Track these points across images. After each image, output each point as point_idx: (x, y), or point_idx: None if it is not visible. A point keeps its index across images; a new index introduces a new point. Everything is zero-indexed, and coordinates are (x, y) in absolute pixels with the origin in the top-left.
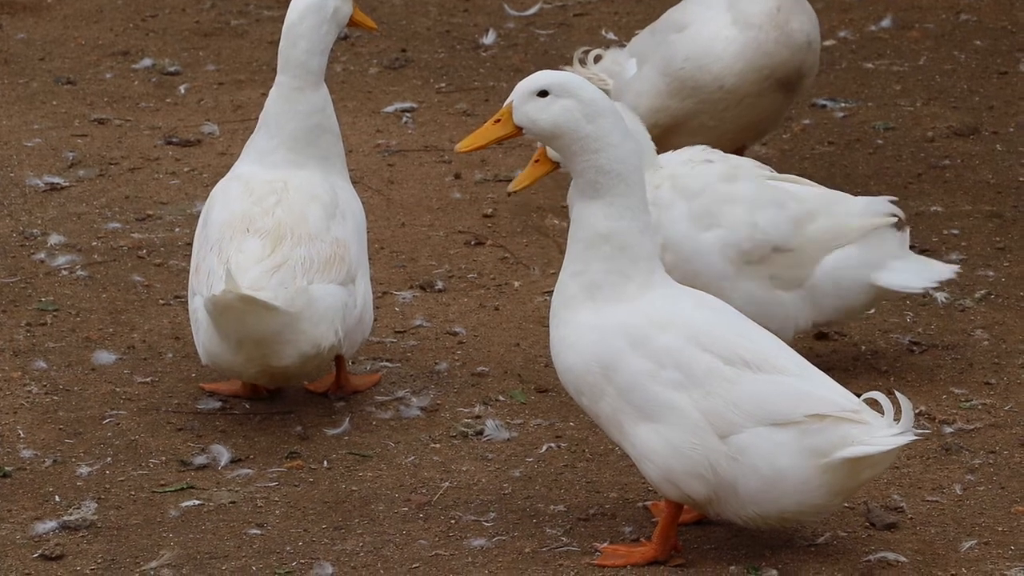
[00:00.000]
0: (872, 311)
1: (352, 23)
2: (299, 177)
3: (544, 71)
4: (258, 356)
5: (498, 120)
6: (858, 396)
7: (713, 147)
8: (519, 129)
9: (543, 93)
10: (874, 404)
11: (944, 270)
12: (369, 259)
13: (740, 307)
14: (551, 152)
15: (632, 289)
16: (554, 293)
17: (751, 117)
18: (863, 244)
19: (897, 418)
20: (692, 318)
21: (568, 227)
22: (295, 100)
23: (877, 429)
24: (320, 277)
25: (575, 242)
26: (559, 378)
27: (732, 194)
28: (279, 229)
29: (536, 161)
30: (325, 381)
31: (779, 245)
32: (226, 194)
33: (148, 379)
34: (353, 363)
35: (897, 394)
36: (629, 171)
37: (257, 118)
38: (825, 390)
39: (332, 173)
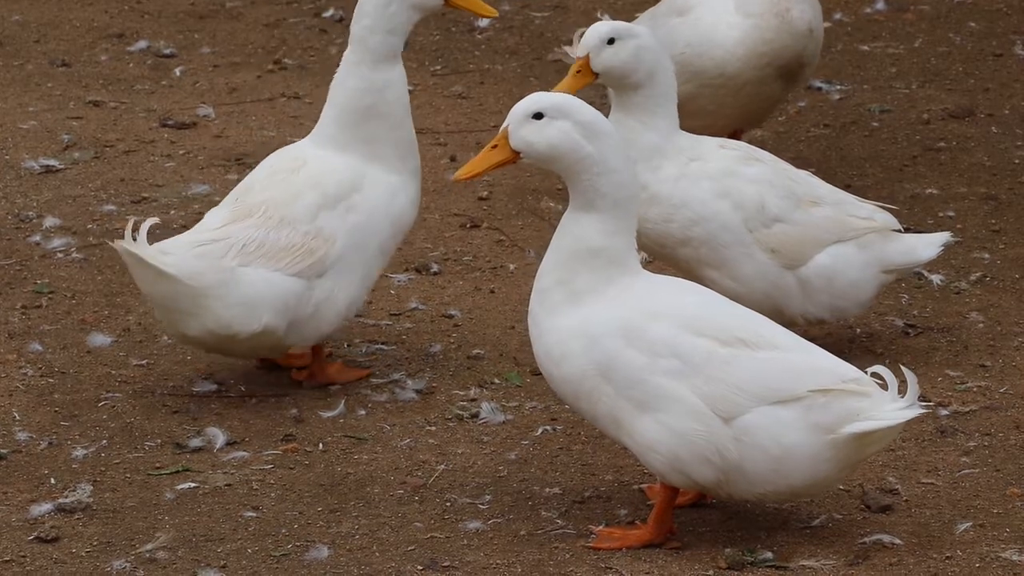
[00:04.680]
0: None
1: (453, 5)
2: (322, 159)
3: (538, 93)
4: (168, 321)
5: (495, 145)
6: None
7: (709, 130)
8: (516, 153)
9: (538, 116)
10: (878, 378)
11: (941, 235)
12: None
13: (753, 285)
14: (514, 140)
15: (614, 290)
16: (533, 298)
17: (750, 104)
18: (862, 244)
19: (902, 392)
20: (680, 304)
21: (564, 210)
22: (350, 74)
23: (883, 403)
24: (262, 262)
25: (561, 249)
26: (553, 388)
27: (750, 173)
28: (254, 208)
29: (494, 147)
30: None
31: (781, 216)
32: (265, 161)
33: (143, 362)
34: (348, 346)
35: (902, 367)
36: (626, 197)
37: (252, 101)
38: (826, 362)
39: (373, 162)
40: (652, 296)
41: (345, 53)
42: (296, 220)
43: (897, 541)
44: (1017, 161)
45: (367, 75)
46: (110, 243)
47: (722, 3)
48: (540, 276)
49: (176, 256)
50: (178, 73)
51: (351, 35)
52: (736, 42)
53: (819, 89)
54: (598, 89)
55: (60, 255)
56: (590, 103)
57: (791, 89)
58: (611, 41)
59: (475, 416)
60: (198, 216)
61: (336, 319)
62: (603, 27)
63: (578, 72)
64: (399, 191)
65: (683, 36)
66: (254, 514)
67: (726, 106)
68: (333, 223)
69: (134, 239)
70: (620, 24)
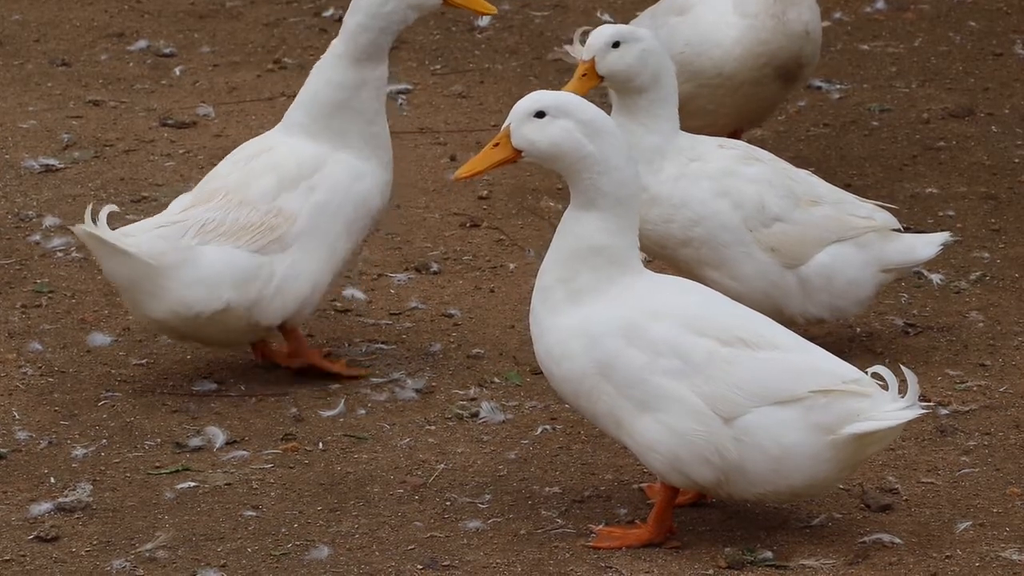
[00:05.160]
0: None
1: (451, 4)
2: (287, 146)
3: (540, 91)
4: (133, 305)
5: (497, 144)
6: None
7: (709, 130)
8: (518, 152)
9: (540, 114)
10: (879, 378)
11: (941, 235)
12: (361, 242)
13: (754, 284)
14: (515, 138)
15: (616, 290)
16: (534, 296)
17: (749, 104)
18: (861, 243)
19: (902, 392)
20: (682, 303)
21: (564, 210)
22: (331, 66)
23: (883, 403)
24: (222, 240)
25: (563, 248)
26: (553, 386)
27: (749, 173)
28: (215, 192)
29: (495, 145)
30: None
31: (781, 216)
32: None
33: (143, 361)
34: (348, 345)
35: (902, 367)
36: (628, 196)
37: (252, 100)
38: (826, 364)
39: (342, 150)
40: (653, 295)
41: (333, 42)
42: (255, 201)
43: (897, 540)
44: (1017, 160)
45: (348, 70)
46: (70, 227)
47: (722, 2)
48: (541, 274)
49: (137, 237)
50: (178, 72)
51: (343, 26)
52: (734, 42)
53: (819, 88)
54: (599, 88)
55: (60, 254)
56: (591, 102)
57: (791, 90)
58: (616, 45)
59: (475, 415)
60: None
61: (300, 296)
62: (608, 30)
63: (583, 75)
64: (365, 175)
65: (682, 35)
66: (254, 513)
67: (725, 106)
68: (294, 202)
69: (94, 223)
70: (625, 27)
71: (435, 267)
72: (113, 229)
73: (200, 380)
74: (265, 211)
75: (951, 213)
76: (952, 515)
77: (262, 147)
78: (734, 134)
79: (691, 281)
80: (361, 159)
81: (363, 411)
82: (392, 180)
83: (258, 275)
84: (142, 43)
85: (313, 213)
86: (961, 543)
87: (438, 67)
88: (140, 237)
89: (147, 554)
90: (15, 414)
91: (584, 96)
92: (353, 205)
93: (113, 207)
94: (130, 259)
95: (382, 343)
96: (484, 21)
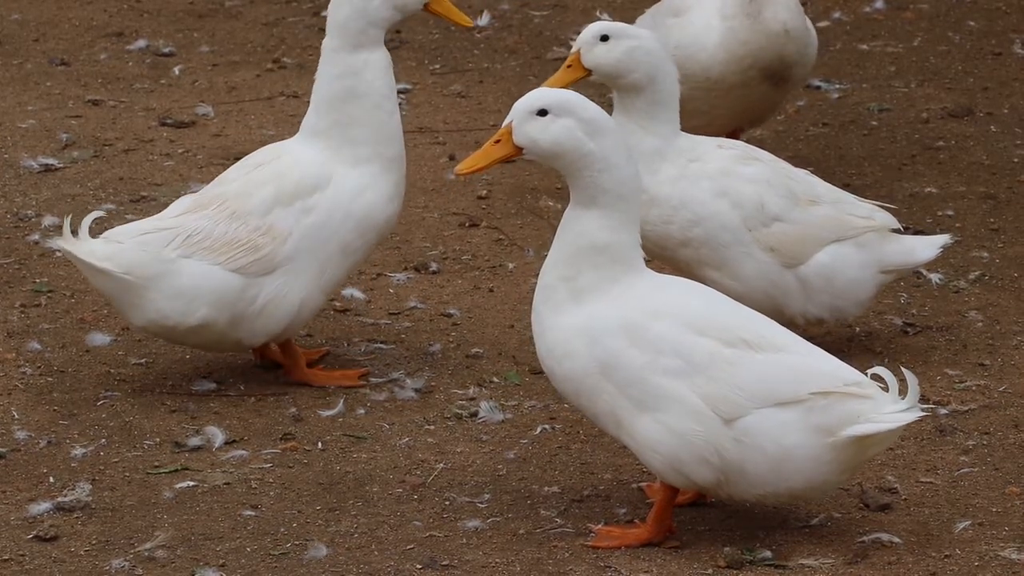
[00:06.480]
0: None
1: (431, 11)
2: (294, 155)
3: (541, 89)
4: (118, 311)
5: (498, 140)
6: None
7: (708, 130)
8: (519, 149)
9: (542, 112)
10: (879, 379)
11: (941, 237)
12: (364, 254)
13: (754, 284)
14: (517, 136)
15: (618, 289)
16: (537, 294)
17: (743, 105)
18: (861, 243)
19: (902, 393)
20: (684, 303)
21: (563, 209)
22: (330, 62)
23: (884, 405)
24: (204, 255)
25: (565, 246)
26: (554, 385)
27: (748, 173)
28: (213, 198)
29: (496, 141)
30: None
31: (780, 215)
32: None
33: (142, 361)
34: (347, 345)
35: (903, 369)
36: (629, 193)
37: (251, 100)
38: (827, 365)
39: (347, 148)
40: (655, 295)
41: (323, 42)
42: (248, 214)
43: (896, 540)
44: (1016, 160)
45: (346, 59)
46: (49, 242)
47: (712, 5)
48: (543, 273)
49: (113, 248)
50: (177, 72)
51: (329, 23)
52: (716, 45)
53: (818, 88)
54: (598, 88)
55: (59, 254)
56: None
57: (785, 90)
58: (605, 39)
59: (474, 415)
60: None
61: (287, 318)
62: (599, 24)
63: (568, 67)
64: (367, 188)
65: (675, 38)
66: (253, 513)
67: (719, 107)
68: (286, 221)
69: (74, 235)
70: (618, 24)
71: (434, 267)
72: (108, 229)
73: (199, 380)
74: (254, 227)
75: (950, 213)
76: (951, 514)
77: (272, 155)
78: (733, 134)
79: (693, 281)
80: (365, 163)
81: (362, 411)
82: (403, 178)
83: (241, 295)
84: (141, 42)
85: (305, 234)
86: (960, 542)
87: (437, 67)
88: (124, 244)
89: (146, 553)
90: (14, 414)
91: (579, 90)
92: (355, 222)
93: (99, 213)
94: (103, 273)
95: (381, 343)
96: (483, 21)
